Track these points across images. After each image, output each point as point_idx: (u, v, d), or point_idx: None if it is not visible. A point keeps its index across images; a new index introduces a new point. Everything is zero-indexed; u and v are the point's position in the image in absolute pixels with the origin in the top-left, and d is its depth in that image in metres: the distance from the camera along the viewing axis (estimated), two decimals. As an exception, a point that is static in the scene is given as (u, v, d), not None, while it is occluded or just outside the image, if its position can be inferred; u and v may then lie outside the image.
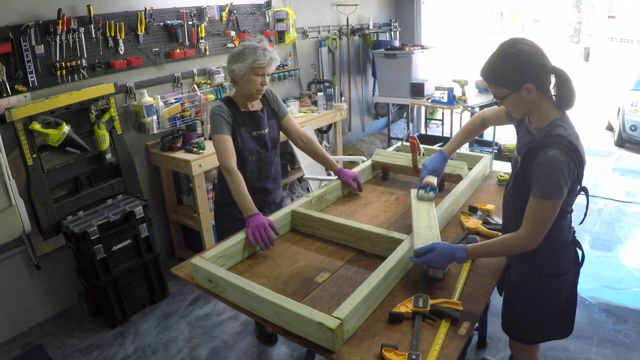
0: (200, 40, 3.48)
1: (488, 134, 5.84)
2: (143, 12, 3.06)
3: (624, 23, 14.43)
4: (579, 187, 1.43)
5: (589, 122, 7.64)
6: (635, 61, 10.51)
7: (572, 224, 1.57)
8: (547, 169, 1.32)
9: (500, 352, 2.42)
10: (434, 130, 7.01)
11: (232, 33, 3.74)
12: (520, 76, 1.36)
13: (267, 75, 2.04)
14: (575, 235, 1.57)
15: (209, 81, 3.62)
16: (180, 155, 3.13)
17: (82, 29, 2.76)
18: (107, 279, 2.74)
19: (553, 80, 1.40)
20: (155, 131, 3.14)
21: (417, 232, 1.63)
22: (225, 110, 2.04)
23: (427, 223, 1.70)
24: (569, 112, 1.44)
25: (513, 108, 1.45)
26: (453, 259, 1.47)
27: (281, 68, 4.28)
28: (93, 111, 2.80)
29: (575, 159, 1.33)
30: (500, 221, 1.89)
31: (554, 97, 1.42)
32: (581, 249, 1.57)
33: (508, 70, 1.37)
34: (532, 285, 1.54)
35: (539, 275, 1.52)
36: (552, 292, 1.53)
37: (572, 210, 1.51)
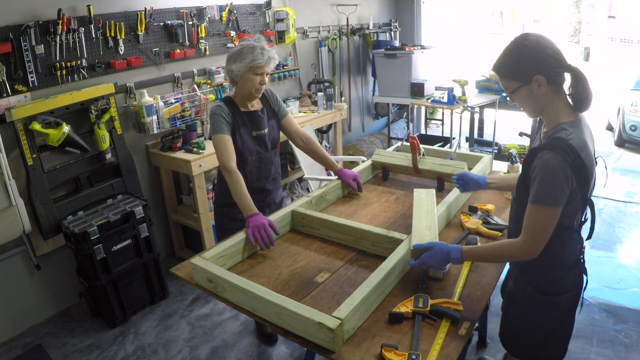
0: (200, 40, 3.48)
1: (488, 134, 5.85)
2: (143, 12, 3.06)
3: (624, 23, 14.42)
4: (580, 197, 1.32)
5: (588, 122, 7.64)
6: (635, 61, 10.51)
7: (583, 247, 1.46)
8: (542, 172, 1.26)
9: (501, 352, 2.42)
10: (434, 130, 7.01)
11: (232, 33, 3.74)
12: (530, 67, 1.30)
13: (266, 75, 2.04)
14: (583, 258, 1.46)
15: (209, 81, 3.62)
16: (180, 155, 3.13)
17: (82, 29, 2.76)
18: (107, 279, 2.74)
19: (568, 80, 1.34)
20: (155, 131, 3.14)
21: (415, 233, 1.63)
22: (225, 110, 2.04)
23: (427, 224, 1.70)
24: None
25: (523, 104, 1.39)
26: (449, 259, 1.44)
27: (281, 68, 4.28)
28: (93, 111, 2.80)
29: (573, 165, 1.25)
30: (500, 221, 1.90)
31: (568, 97, 1.36)
32: (586, 274, 1.46)
33: (518, 62, 1.32)
34: (525, 298, 1.48)
35: (531, 289, 1.46)
36: (541, 309, 1.46)
37: (578, 230, 1.40)
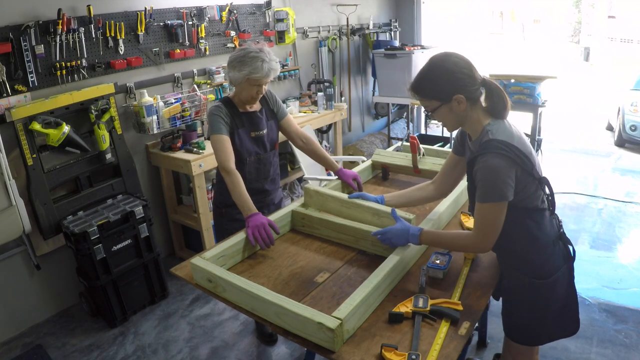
0: (200, 40, 3.48)
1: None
2: (143, 12, 3.06)
3: (624, 23, 14.43)
4: (533, 179, 1.40)
5: (589, 122, 7.65)
6: (635, 61, 10.51)
7: (559, 221, 1.55)
8: (484, 173, 1.35)
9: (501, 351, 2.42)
10: (434, 130, 7.00)
11: (232, 33, 3.74)
12: (450, 88, 1.39)
13: (264, 85, 2.04)
14: (563, 230, 1.55)
15: (209, 81, 3.62)
16: (180, 155, 3.13)
17: (82, 29, 2.76)
18: (107, 279, 2.74)
19: (484, 92, 1.45)
20: (155, 131, 3.14)
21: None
22: (224, 110, 2.04)
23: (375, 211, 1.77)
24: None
25: (444, 120, 1.49)
26: (407, 239, 1.55)
27: (281, 68, 4.28)
28: (93, 111, 2.80)
29: (511, 156, 1.34)
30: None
31: (486, 107, 1.45)
32: (571, 244, 1.55)
33: (438, 83, 1.41)
34: (525, 290, 1.53)
35: (529, 279, 1.50)
36: (546, 293, 1.51)
37: (547, 208, 1.49)
